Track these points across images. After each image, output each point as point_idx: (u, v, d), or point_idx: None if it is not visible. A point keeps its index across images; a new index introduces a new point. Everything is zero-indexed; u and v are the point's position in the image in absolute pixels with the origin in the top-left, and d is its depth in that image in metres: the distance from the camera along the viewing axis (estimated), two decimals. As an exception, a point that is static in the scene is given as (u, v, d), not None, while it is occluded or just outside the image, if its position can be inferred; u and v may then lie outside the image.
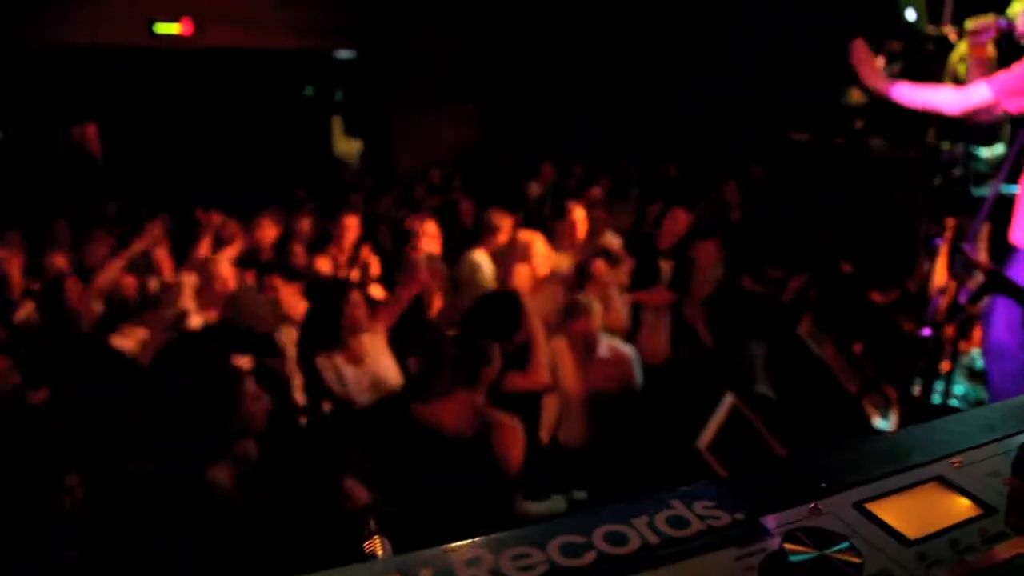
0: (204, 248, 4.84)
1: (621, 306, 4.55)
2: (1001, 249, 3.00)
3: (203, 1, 8.15)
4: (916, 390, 4.11)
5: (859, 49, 3.38)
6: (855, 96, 5.98)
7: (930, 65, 5.07)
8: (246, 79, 8.86)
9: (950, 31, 5.16)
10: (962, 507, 0.71)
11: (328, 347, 3.77)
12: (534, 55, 9.15)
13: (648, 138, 8.56)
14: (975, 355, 4.74)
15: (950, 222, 4.44)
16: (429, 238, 5.11)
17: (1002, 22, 3.12)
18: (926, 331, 2.34)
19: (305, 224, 5.84)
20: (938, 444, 0.82)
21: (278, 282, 4.29)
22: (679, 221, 5.29)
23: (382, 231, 5.43)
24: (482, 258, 5.03)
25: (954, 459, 0.79)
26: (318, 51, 8.91)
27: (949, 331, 3.92)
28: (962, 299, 2.31)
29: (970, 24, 3.20)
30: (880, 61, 5.66)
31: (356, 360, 3.81)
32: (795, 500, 0.70)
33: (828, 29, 6.75)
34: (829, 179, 5.89)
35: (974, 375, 4.65)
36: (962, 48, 4.08)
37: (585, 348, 3.91)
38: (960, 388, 4.53)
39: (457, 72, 9.07)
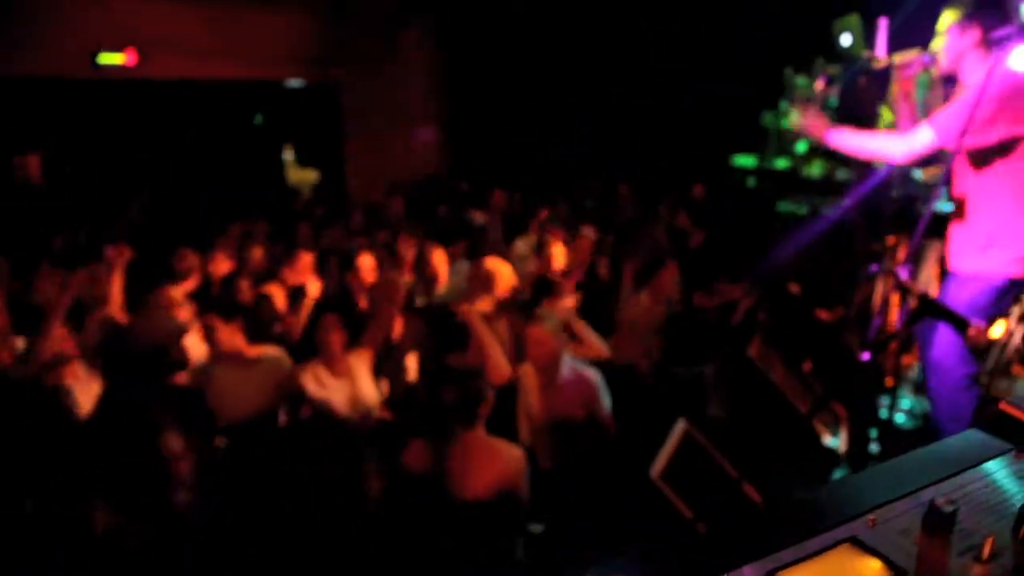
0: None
1: (591, 334, 4.56)
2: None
3: (150, 32, 8.05)
4: (863, 407, 4.23)
5: (809, 114, 3.46)
6: (796, 119, 6.14)
7: (870, 91, 5.26)
8: (194, 109, 8.75)
9: (884, 59, 5.37)
10: (873, 571, 0.72)
11: (314, 359, 3.97)
12: (492, 81, 9.24)
13: (599, 165, 8.68)
14: (919, 369, 4.88)
15: (890, 241, 4.58)
16: (367, 271, 5.12)
17: (926, 57, 3.24)
18: (865, 355, 2.40)
19: (256, 255, 5.78)
20: (854, 501, 0.84)
21: (215, 321, 4.23)
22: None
23: (331, 263, 5.39)
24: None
25: (870, 516, 0.80)
26: (269, 81, 8.87)
27: (892, 347, 4.03)
28: (898, 324, 2.37)
29: (897, 59, 3.32)
30: (819, 84, 5.88)
31: (339, 374, 3.93)
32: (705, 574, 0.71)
33: (762, 57, 7.02)
34: (771, 202, 6.02)
35: (920, 389, 4.79)
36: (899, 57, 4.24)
37: (548, 371, 3.92)
38: (906, 402, 4.65)
39: (414, 99, 9.11)
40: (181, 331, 4.23)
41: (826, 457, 3.94)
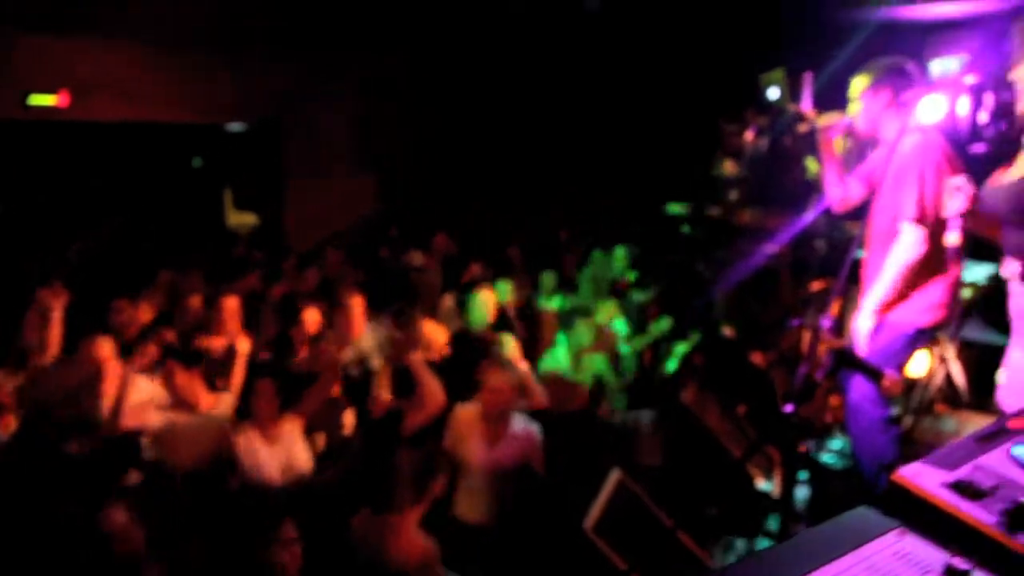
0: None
1: (537, 385, 4.57)
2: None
3: (85, 73, 7.91)
4: (798, 449, 4.32)
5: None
6: (728, 168, 6.38)
7: (797, 144, 5.50)
8: (131, 151, 8.59)
9: (811, 112, 5.62)
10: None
11: (248, 422, 3.82)
12: (433, 125, 9.31)
13: (538, 207, 8.80)
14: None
15: (816, 286, 4.75)
16: (312, 325, 5.03)
17: (846, 120, 3.39)
18: (788, 407, 2.46)
19: (195, 303, 5.61)
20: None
21: (175, 367, 4.11)
22: None
23: (266, 313, 5.28)
24: (369, 335, 5.04)
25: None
26: (208, 125, 8.76)
27: (820, 390, 4.15)
28: (818, 375, 2.45)
29: (820, 121, 3.47)
30: (749, 135, 6.10)
31: (272, 440, 3.79)
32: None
33: (696, 109, 7.29)
34: (706, 248, 6.18)
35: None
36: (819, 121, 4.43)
37: (498, 422, 3.89)
38: (837, 443, 4.77)
39: (354, 144, 9.10)
40: (94, 384, 4.04)
41: (760, 502, 4.01)
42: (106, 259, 7.31)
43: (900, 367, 3.40)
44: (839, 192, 3.59)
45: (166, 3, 7.55)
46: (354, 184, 9.19)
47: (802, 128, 4.21)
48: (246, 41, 7.98)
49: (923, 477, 1.13)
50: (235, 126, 8.97)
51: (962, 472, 1.19)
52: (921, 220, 3.15)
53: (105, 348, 4.23)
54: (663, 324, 5.47)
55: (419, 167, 9.42)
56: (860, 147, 4.10)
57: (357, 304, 5.16)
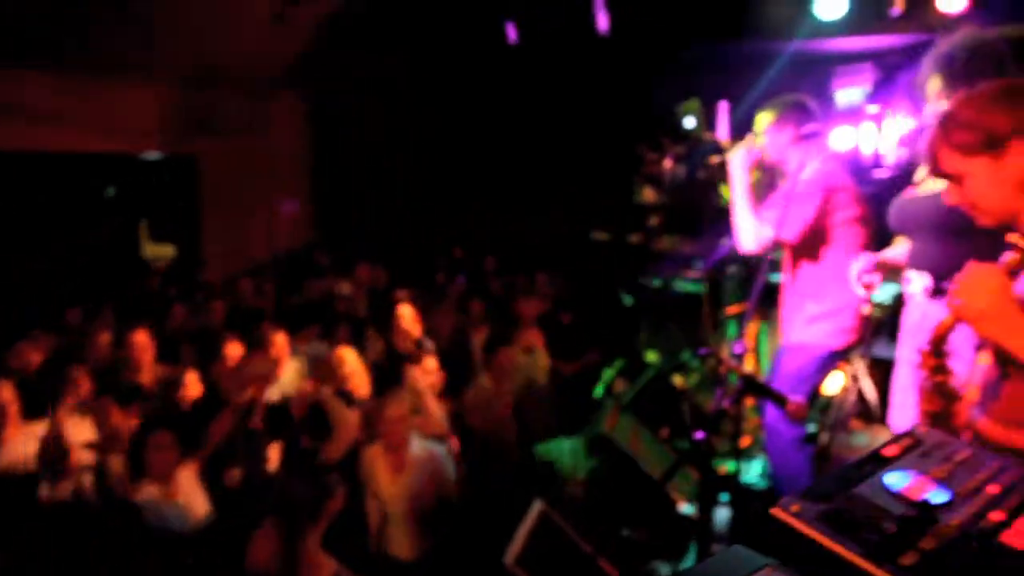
0: None
1: (437, 409, 4.53)
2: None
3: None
4: (720, 470, 4.40)
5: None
6: (647, 195, 6.52)
7: (715, 172, 5.65)
8: (42, 181, 8.26)
9: (727, 141, 5.78)
10: None
11: (143, 477, 3.62)
12: (361, 154, 9.25)
13: (467, 235, 8.81)
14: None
15: (731, 311, 4.87)
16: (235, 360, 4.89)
17: (755, 153, 3.49)
18: (699, 434, 2.51)
19: (103, 339, 5.41)
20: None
21: (109, 405, 3.93)
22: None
23: (185, 349, 5.13)
24: (289, 367, 4.93)
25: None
26: (123, 154, 8.49)
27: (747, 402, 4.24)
28: (725, 403, 2.50)
29: (729, 152, 3.55)
30: (667, 163, 6.26)
31: (170, 494, 3.63)
32: None
33: (617, 136, 7.46)
34: (627, 274, 6.28)
35: (769, 449, 5.04)
36: (729, 152, 4.57)
37: (398, 451, 3.86)
38: (757, 463, 4.87)
39: (278, 172, 8.95)
40: None
41: (682, 525, 4.05)
42: (11, 295, 6.98)
43: (815, 389, 3.52)
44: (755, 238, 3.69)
45: (77, 28, 7.32)
46: (278, 214, 9.03)
47: (715, 158, 4.32)
48: (163, 67, 7.76)
49: (796, 510, 1.13)
50: (152, 155, 8.72)
51: (835, 503, 1.18)
52: (801, 239, 3.30)
53: (5, 392, 4.04)
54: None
55: (347, 195, 9.33)
56: (771, 177, 4.23)
57: (279, 336, 5.05)
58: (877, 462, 1.33)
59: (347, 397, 4.10)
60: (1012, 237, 1.57)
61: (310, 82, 8.65)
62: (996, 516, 1.17)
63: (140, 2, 6.54)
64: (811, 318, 3.46)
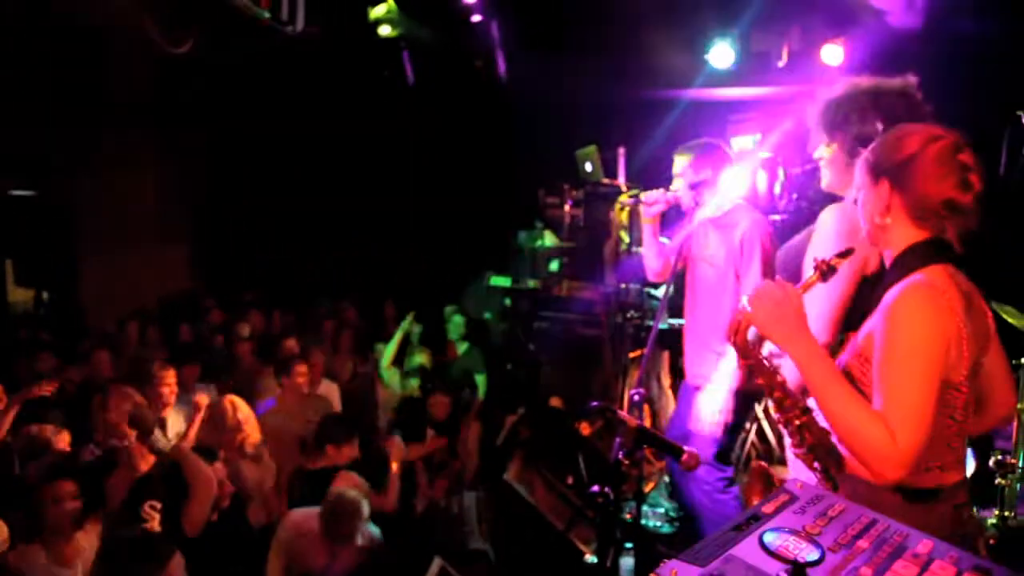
0: None
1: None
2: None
3: None
4: (625, 516, 4.36)
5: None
6: (549, 240, 6.57)
7: (605, 209, 5.75)
8: None
9: (624, 184, 5.89)
10: None
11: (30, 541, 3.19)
12: (248, 194, 9.00)
13: (363, 279, 8.68)
14: (670, 473, 5.16)
15: (633, 354, 4.89)
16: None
17: (671, 196, 3.54)
18: (594, 487, 2.43)
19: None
20: None
21: None
22: None
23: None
24: (174, 418, 4.63)
25: None
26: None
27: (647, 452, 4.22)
28: (619, 454, 2.43)
29: (643, 196, 3.58)
30: (567, 207, 6.32)
31: (68, 560, 3.22)
32: None
33: (517, 182, 7.57)
34: (528, 320, 6.26)
35: (673, 494, 5.04)
36: (623, 199, 4.64)
37: (347, 536, 3.60)
38: (661, 507, 4.86)
39: (159, 212, 8.54)
40: None
41: (586, 574, 3.97)
42: None
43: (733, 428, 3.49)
44: (658, 264, 3.73)
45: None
46: (162, 255, 8.58)
47: (624, 200, 4.34)
48: (36, 99, 7.25)
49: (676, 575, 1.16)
50: (20, 192, 8.13)
51: (713, 567, 1.21)
52: None
53: None
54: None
55: (235, 236, 9.02)
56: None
57: (168, 383, 4.73)
58: (756, 519, 1.37)
59: (210, 453, 3.79)
60: (816, 260, 1.75)
61: (192, 121, 8.34)
62: (865, 572, 1.23)
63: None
64: (714, 358, 3.46)
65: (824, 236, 2.24)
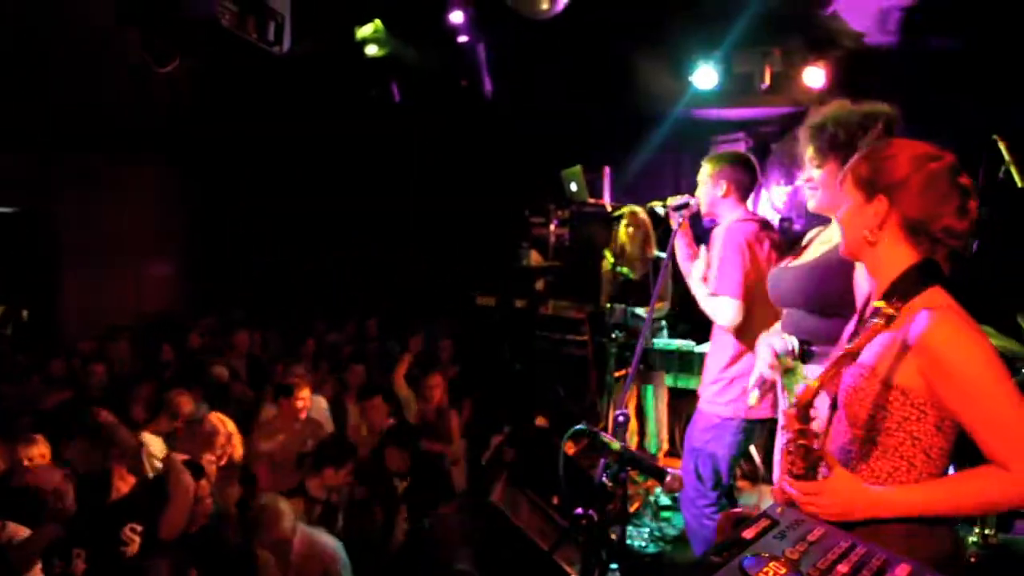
0: None
1: None
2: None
3: None
4: (612, 536, 4.35)
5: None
6: (535, 259, 6.58)
7: (591, 228, 5.79)
8: None
9: (610, 204, 5.92)
10: None
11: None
12: (235, 212, 8.97)
13: (344, 294, 8.66)
14: (659, 493, 5.16)
15: (616, 375, 4.89)
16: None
17: (694, 201, 3.43)
18: (578, 510, 2.43)
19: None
20: None
21: None
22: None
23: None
24: (150, 439, 4.58)
25: None
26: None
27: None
28: (602, 477, 2.43)
29: (670, 201, 3.50)
30: (552, 227, 6.34)
31: None
32: None
33: (504, 202, 7.60)
34: (514, 339, 6.27)
35: (658, 513, 5.04)
36: (624, 222, 4.66)
37: (281, 551, 3.57)
38: (646, 528, 4.85)
39: (144, 229, 8.50)
40: None
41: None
42: None
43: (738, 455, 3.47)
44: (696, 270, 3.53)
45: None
46: (147, 271, 8.51)
47: (670, 203, 4.26)
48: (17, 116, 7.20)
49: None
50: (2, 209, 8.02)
51: None
52: (743, 297, 3.25)
53: None
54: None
55: (225, 257, 8.98)
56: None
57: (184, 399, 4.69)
58: (737, 545, 1.39)
59: (197, 469, 3.76)
60: (877, 303, 1.68)
61: (180, 144, 8.32)
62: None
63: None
64: (726, 387, 3.40)
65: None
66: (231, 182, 8.95)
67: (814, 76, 6.51)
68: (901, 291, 1.70)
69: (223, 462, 4.20)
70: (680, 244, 3.55)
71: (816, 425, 1.72)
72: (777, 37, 7.16)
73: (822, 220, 2.71)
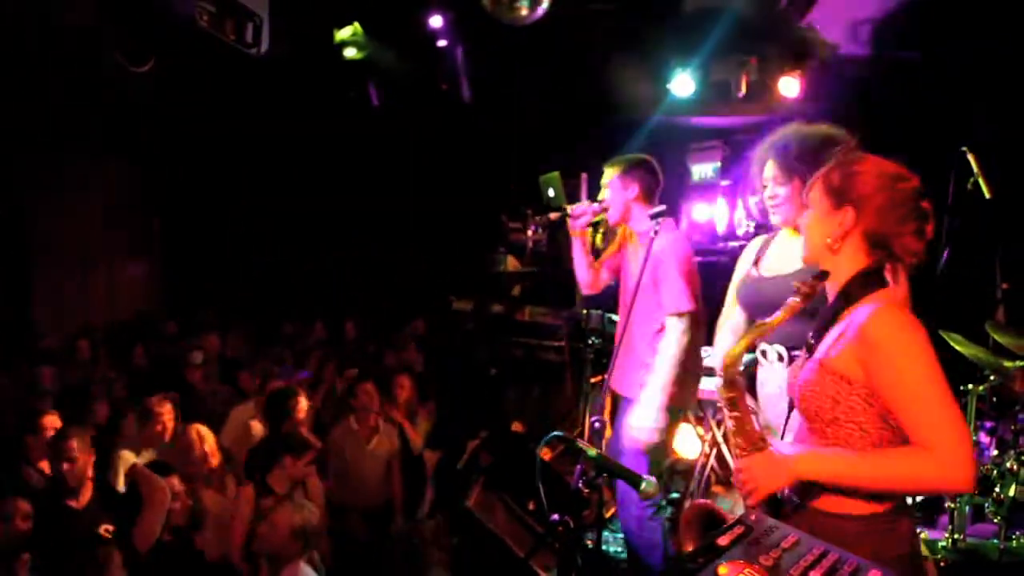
0: None
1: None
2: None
3: None
4: (588, 542, 4.37)
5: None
6: (512, 264, 6.60)
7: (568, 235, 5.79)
8: None
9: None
10: None
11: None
12: (210, 213, 8.88)
13: (323, 298, 8.61)
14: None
15: (593, 380, 4.91)
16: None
17: (595, 207, 3.53)
18: (554, 516, 2.44)
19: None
20: None
21: None
22: None
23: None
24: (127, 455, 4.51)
25: None
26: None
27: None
28: (579, 483, 2.44)
29: (569, 208, 3.57)
30: (529, 232, 6.36)
31: None
32: None
33: (481, 208, 7.62)
34: (490, 344, 6.27)
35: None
36: (552, 216, 4.68)
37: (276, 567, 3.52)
38: (621, 534, 4.86)
39: (118, 230, 8.38)
40: None
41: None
42: None
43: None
44: (588, 276, 3.72)
45: None
46: (121, 273, 8.39)
47: (552, 216, 4.30)
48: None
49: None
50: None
51: None
52: (691, 312, 3.33)
53: None
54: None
55: (200, 257, 8.87)
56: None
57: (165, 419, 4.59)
58: (711, 552, 1.41)
59: (164, 468, 3.70)
60: (795, 283, 1.81)
61: (151, 135, 8.20)
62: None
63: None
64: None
65: None
66: (206, 183, 8.86)
67: (789, 86, 6.60)
68: (852, 293, 1.79)
69: (204, 474, 4.14)
70: (579, 251, 3.66)
71: (751, 404, 1.81)
72: (754, 46, 7.25)
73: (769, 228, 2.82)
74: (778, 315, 1.81)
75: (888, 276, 1.82)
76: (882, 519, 1.71)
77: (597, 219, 3.65)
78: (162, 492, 3.45)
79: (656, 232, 3.28)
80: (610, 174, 3.55)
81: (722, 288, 3.02)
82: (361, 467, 4.92)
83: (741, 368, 1.89)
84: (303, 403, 4.65)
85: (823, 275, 1.82)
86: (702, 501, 2.38)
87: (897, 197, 1.76)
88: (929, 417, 1.60)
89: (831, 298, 1.86)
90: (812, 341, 1.86)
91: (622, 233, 3.70)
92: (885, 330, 1.67)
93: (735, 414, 1.83)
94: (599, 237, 5.37)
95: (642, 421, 3.34)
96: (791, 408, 1.92)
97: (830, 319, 1.82)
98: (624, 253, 3.64)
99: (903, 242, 1.77)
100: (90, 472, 3.65)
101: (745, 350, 1.86)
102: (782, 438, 2.02)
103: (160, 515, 3.42)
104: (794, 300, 1.80)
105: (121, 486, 4.04)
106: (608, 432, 4.97)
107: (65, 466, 3.55)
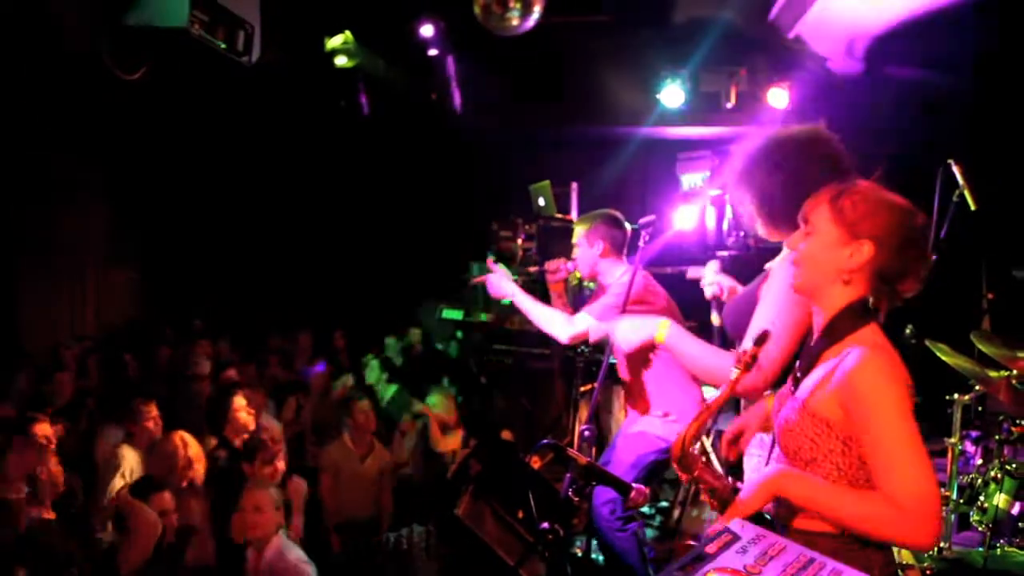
0: None
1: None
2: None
3: None
4: (576, 550, 4.37)
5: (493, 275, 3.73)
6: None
7: (557, 244, 5.82)
8: None
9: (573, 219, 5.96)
10: None
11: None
12: (194, 219, 8.83)
13: (312, 308, 8.60)
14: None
15: (583, 388, 4.92)
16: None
17: (571, 265, 3.76)
18: (544, 524, 2.44)
19: None
20: None
21: None
22: None
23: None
24: (128, 452, 4.48)
25: None
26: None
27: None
28: (568, 492, 2.45)
29: (547, 265, 3.75)
30: (519, 241, 6.36)
31: None
32: None
33: (471, 216, 7.64)
34: (480, 353, 6.28)
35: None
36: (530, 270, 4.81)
37: (256, 547, 3.55)
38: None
39: (103, 237, 8.31)
40: None
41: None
42: None
43: (650, 477, 3.60)
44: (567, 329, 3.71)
45: None
46: (108, 282, 8.32)
47: (531, 271, 4.52)
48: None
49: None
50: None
51: None
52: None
53: None
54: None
55: (185, 264, 8.82)
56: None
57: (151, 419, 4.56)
58: (699, 560, 1.43)
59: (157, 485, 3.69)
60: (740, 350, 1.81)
61: (140, 145, 8.16)
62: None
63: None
64: (663, 414, 3.63)
65: (775, 292, 2.21)
66: (194, 191, 8.82)
67: (778, 97, 6.66)
68: (839, 328, 1.74)
69: (184, 484, 4.11)
70: (556, 303, 3.86)
71: (714, 465, 1.81)
72: (743, 58, 7.33)
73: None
74: (721, 393, 1.80)
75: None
76: (854, 541, 1.67)
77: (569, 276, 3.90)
78: (152, 526, 3.41)
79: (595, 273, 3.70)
80: (578, 232, 3.75)
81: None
82: (354, 485, 4.94)
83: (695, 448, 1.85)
84: (239, 401, 4.63)
85: (763, 338, 1.78)
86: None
87: (912, 236, 1.71)
88: (902, 474, 1.57)
89: (817, 332, 1.81)
90: (799, 375, 1.81)
91: (598, 284, 3.88)
92: (871, 382, 1.63)
93: (703, 485, 1.84)
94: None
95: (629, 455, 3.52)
96: (774, 442, 1.90)
97: (815, 356, 1.78)
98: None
99: (909, 282, 1.74)
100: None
101: (692, 439, 1.80)
102: (767, 464, 1.99)
103: (148, 547, 3.39)
104: (736, 371, 1.76)
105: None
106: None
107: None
